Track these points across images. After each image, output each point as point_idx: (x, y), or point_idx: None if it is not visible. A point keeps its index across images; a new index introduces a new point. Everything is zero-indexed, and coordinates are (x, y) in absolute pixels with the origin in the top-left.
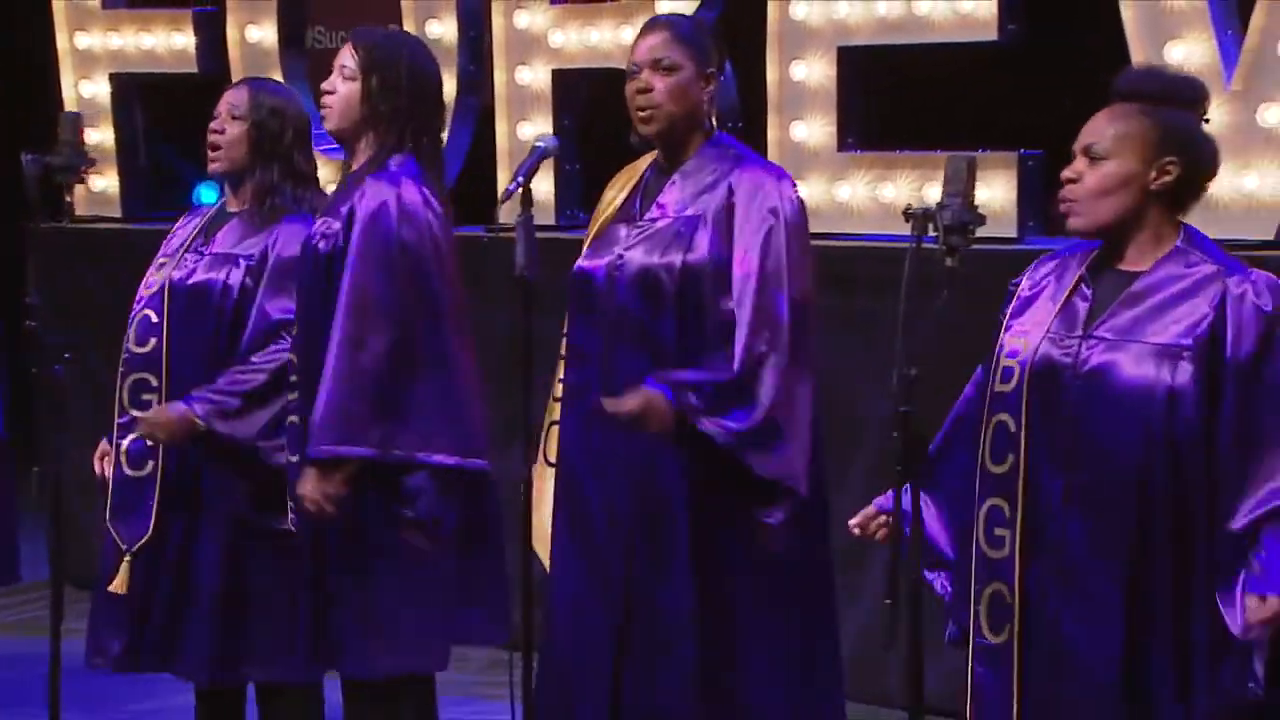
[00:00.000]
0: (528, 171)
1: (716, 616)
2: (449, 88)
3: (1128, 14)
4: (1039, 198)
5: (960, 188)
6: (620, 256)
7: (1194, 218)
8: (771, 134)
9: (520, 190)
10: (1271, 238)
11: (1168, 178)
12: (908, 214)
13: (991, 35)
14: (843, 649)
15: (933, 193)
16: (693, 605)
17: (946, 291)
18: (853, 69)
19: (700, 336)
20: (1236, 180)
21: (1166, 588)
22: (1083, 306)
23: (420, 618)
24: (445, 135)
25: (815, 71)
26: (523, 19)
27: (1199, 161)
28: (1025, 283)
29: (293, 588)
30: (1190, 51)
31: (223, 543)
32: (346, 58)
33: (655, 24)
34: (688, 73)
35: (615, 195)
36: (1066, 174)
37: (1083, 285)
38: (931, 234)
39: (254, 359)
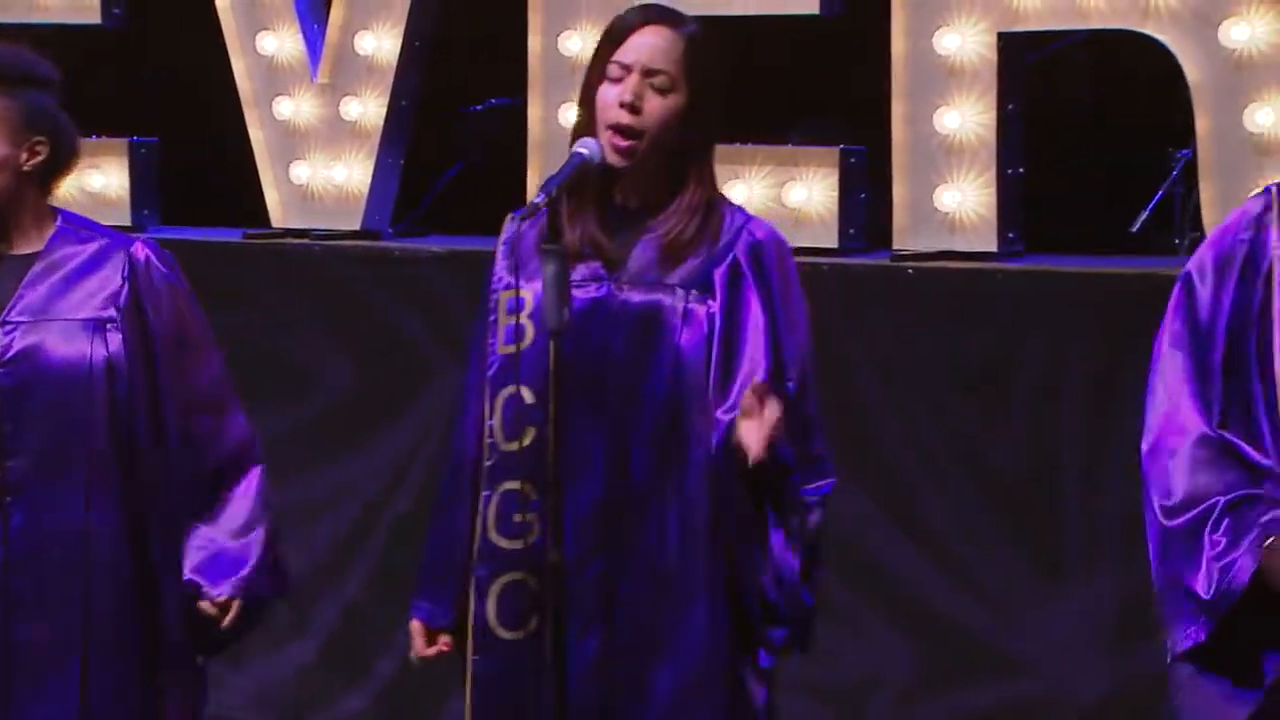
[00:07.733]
0: None
1: None
2: None
3: (222, 4)
4: (153, 184)
5: None
6: None
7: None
8: None
9: None
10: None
11: (39, 158)
12: None
13: (96, 19)
14: None
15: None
16: None
17: None
18: None
19: None
20: (326, 172)
21: None
22: None
23: None
24: None
25: None
26: None
27: (65, 141)
28: None
29: None
30: (280, 44)
31: None
32: None
33: None
34: None
35: None
36: None
37: None
38: None
39: None
